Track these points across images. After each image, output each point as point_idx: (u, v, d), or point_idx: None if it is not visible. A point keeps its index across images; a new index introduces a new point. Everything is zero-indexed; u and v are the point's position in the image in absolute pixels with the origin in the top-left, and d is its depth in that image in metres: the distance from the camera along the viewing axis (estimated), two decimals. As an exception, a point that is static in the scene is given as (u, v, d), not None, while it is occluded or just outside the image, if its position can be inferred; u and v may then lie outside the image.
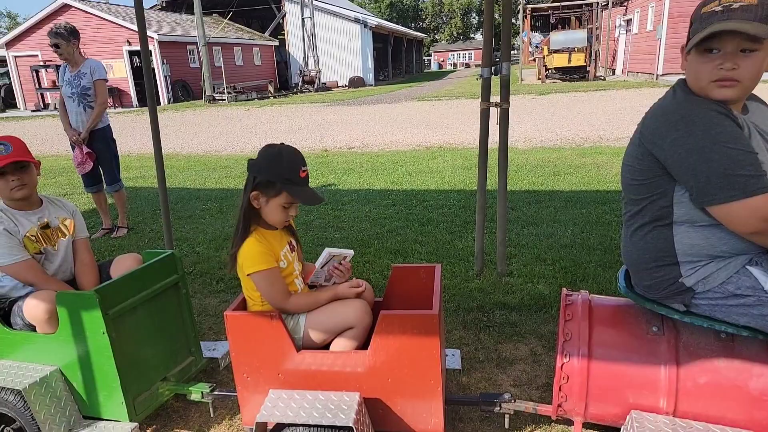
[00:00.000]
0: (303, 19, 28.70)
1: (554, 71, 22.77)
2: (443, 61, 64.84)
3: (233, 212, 5.29)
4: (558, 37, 22.43)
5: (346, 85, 29.46)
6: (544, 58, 23.11)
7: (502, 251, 3.45)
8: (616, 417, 1.68)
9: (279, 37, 32.28)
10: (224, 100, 22.68)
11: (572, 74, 22.41)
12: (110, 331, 1.93)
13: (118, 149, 4.88)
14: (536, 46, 29.68)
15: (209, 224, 5.03)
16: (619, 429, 1.67)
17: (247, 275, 1.81)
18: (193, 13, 23.47)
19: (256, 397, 1.87)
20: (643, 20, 21.60)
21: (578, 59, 21.81)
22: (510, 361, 2.51)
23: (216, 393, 2.16)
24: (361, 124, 12.71)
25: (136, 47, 22.72)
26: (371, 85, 29.85)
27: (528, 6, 29.12)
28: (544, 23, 34.94)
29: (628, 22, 23.89)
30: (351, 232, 4.54)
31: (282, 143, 1.85)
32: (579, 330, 1.69)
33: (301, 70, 28.81)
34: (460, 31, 69.58)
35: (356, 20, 30.50)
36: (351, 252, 1.95)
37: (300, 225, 4.82)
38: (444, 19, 70.90)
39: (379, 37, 33.63)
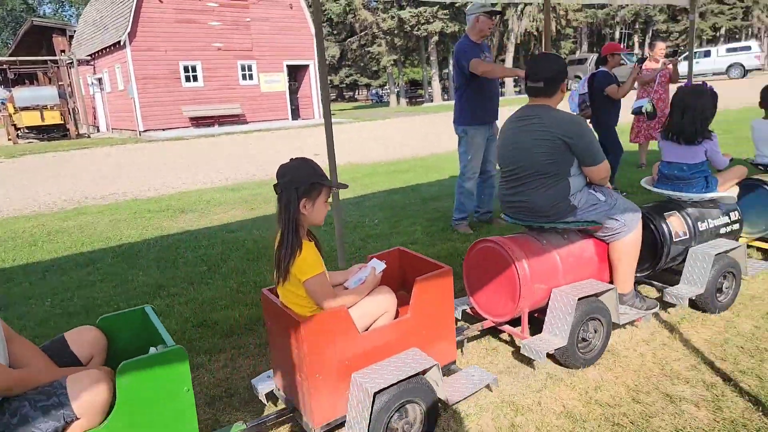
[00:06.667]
0: None
1: (27, 130, 20.46)
2: None
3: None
4: (23, 94, 20.32)
5: None
6: (11, 116, 20.36)
7: None
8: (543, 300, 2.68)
9: None
10: None
11: (50, 133, 20.80)
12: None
13: None
14: (2, 103, 25.63)
15: None
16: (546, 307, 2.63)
17: (306, 280, 1.97)
18: None
19: (327, 392, 2.03)
20: (113, 80, 22.21)
21: (53, 117, 20.45)
22: None
23: (252, 424, 2.11)
24: None
25: None
26: None
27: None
28: (4, 78, 30.44)
29: (100, 80, 24.04)
30: None
31: (291, 158, 2.07)
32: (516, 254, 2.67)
33: None
34: None
35: None
36: (384, 265, 2.27)
37: None
38: None
39: None
